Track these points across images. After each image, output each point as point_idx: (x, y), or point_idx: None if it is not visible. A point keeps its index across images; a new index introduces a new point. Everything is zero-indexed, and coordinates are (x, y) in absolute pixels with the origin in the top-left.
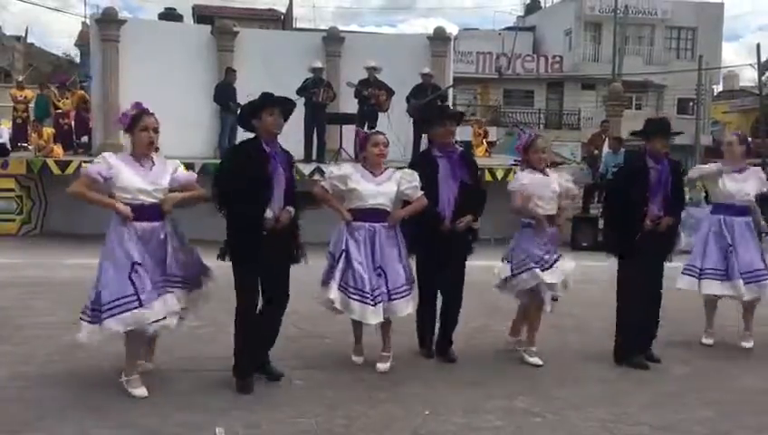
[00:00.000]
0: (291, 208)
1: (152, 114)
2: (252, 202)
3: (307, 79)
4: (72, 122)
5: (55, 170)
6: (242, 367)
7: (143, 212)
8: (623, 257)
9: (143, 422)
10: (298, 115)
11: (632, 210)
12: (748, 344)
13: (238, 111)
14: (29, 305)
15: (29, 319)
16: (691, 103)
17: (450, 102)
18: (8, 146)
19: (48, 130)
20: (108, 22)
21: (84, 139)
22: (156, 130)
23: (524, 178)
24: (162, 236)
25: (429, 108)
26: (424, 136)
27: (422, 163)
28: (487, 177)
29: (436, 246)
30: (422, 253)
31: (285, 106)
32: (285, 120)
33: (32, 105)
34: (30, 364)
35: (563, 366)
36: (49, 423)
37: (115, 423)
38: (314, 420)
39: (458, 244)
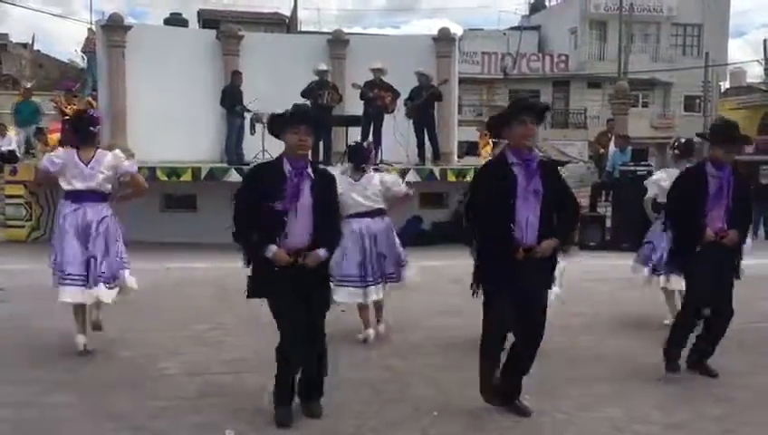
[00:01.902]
0: (322, 252)
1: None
2: (253, 230)
3: (312, 81)
4: None
5: None
6: (275, 397)
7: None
8: (685, 270)
9: (154, 426)
10: None
11: (688, 221)
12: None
13: (244, 115)
14: (40, 311)
15: (40, 325)
16: (698, 100)
17: (455, 102)
18: (18, 153)
19: (54, 137)
20: (114, 28)
21: None
22: None
23: None
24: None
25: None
26: (426, 138)
27: (494, 174)
28: None
29: (511, 278)
30: (493, 288)
31: (312, 123)
32: (316, 139)
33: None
34: (42, 369)
35: (572, 366)
36: (62, 428)
37: (126, 427)
38: (324, 421)
39: (538, 275)
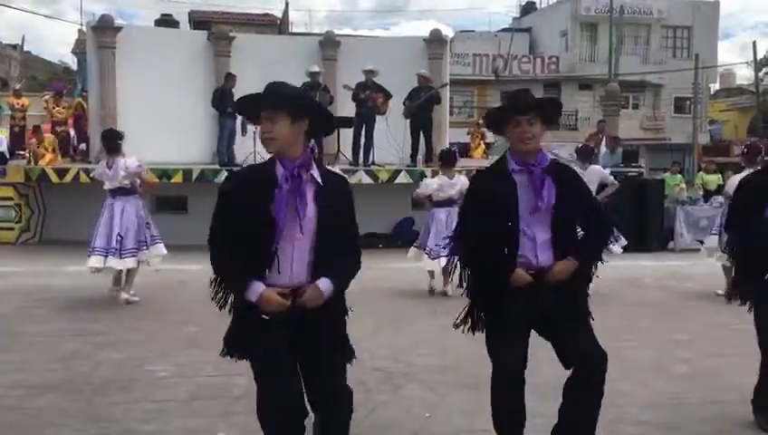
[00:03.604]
0: (325, 284)
1: None
2: (231, 263)
3: (304, 83)
4: (71, 130)
5: (54, 178)
6: None
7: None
8: (754, 301)
9: (143, 429)
10: None
11: (752, 238)
12: None
13: (236, 116)
14: (28, 313)
15: (29, 327)
16: (688, 102)
17: (447, 104)
18: (6, 154)
19: (49, 138)
20: (104, 29)
21: (83, 146)
22: None
23: None
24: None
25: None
26: (421, 138)
27: (490, 182)
28: None
29: (517, 308)
30: (493, 319)
31: (288, 104)
32: (315, 129)
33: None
34: (30, 372)
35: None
36: (49, 432)
37: (115, 430)
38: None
39: (562, 304)
